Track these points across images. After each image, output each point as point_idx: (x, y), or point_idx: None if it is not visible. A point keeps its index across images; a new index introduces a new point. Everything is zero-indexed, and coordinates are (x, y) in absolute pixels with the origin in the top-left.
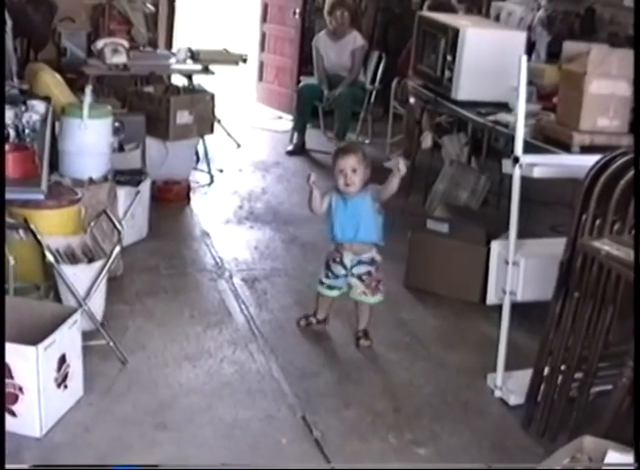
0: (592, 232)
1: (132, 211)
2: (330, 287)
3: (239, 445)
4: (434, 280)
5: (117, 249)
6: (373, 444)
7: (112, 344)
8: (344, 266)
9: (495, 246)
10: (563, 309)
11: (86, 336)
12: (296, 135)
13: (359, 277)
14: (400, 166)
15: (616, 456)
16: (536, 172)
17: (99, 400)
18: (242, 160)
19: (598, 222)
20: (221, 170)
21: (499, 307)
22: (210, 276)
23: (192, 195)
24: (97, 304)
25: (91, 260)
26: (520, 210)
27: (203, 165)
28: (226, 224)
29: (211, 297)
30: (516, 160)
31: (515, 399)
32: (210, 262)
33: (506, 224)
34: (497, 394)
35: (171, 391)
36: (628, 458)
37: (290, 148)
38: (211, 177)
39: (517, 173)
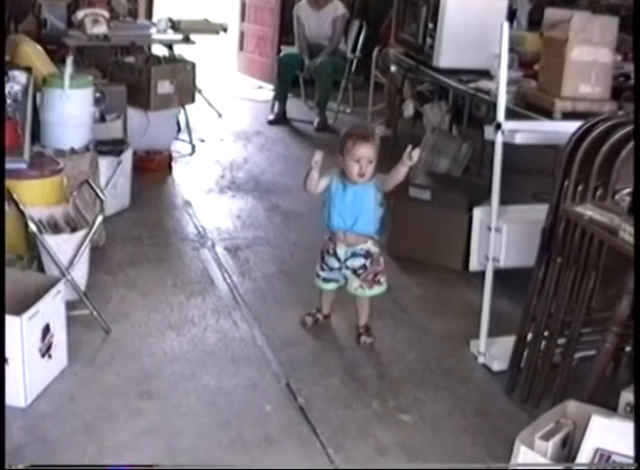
0: (574, 198)
1: (114, 181)
2: (326, 280)
3: (223, 412)
4: (417, 248)
5: (100, 218)
6: (357, 410)
7: (95, 313)
8: (338, 259)
9: (478, 213)
10: (545, 275)
11: (70, 306)
12: (277, 104)
13: (354, 271)
14: (413, 154)
15: (600, 420)
16: (518, 138)
17: (83, 370)
18: (223, 129)
19: (580, 188)
20: (202, 140)
21: (482, 274)
22: (193, 245)
23: (173, 165)
24: (80, 273)
25: (74, 230)
26: (501, 177)
27: (184, 135)
28: (208, 194)
29: (194, 266)
30: (498, 126)
31: (498, 365)
32: (193, 232)
33: (487, 192)
34: (480, 360)
35: (155, 359)
36: (612, 422)
37: (271, 117)
38: (193, 147)
39: (499, 139)
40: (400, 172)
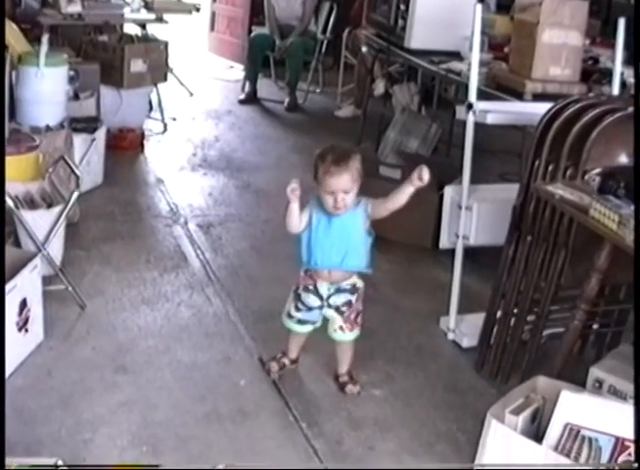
0: (545, 177)
1: (88, 158)
2: (301, 322)
3: (198, 386)
4: (387, 226)
5: (76, 194)
6: (329, 385)
7: (70, 288)
8: (320, 296)
9: (448, 191)
10: (515, 253)
11: (45, 281)
12: (247, 84)
13: (337, 309)
14: (424, 175)
15: (569, 396)
16: (490, 119)
17: (59, 345)
18: (194, 108)
19: (551, 168)
20: (174, 119)
21: (451, 252)
22: (166, 222)
23: (146, 143)
24: (56, 249)
25: (50, 206)
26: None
27: (156, 114)
28: (180, 171)
29: (167, 242)
30: (470, 106)
31: (468, 341)
32: (165, 209)
33: (457, 172)
34: (450, 336)
35: (130, 334)
36: (581, 397)
37: (242, 97)
38: (165, 125)
39: (470, 119)
40: (404, 194)
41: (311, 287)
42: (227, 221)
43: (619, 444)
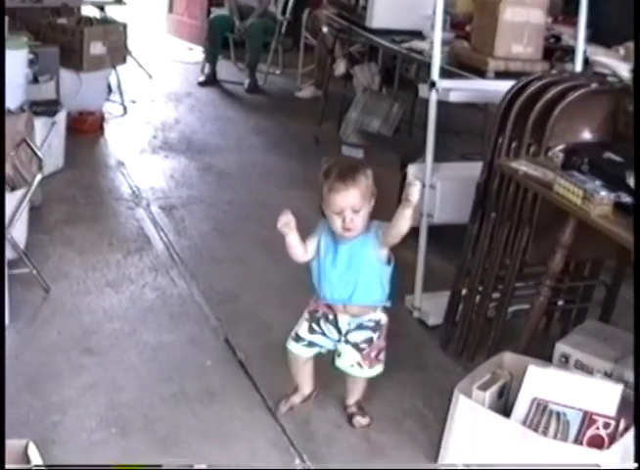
0: (508, 154)
1: (49, 141)
2: (311, 344)
3: (164, 367)
4: None
5: (39, 176)
6: None
7: (35, 272)
8: (339, 330)
9: (412, 169)
10: (480, 230)
11: (10, 265)
12: (207, 66)
13: (356, 345)
14: (412, 191)
15: (536, 370)
16: (452, 97)
17: (25, 328)
18: (154, 91)
19: (514, 145)
20: (134, 101)
21: (415, 231)
22: (128, 205)
23: (106, 126)
24: (19, 232)
25: (13, 189)
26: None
27: (115, 96)
28: (141, 154)
29: (130, 225)
30: (432, 84)
31: (433, 319)
32: (127, 191)
33: (419, 150)
34: (415, 315)
35: (95, 317)
36: (548, 372)
37: (201, 79)
38: (124, 108)
39: (433, 97)
40: (403, 218)
41: (331, 317)
42: (189, 203)
43: (587, 418)
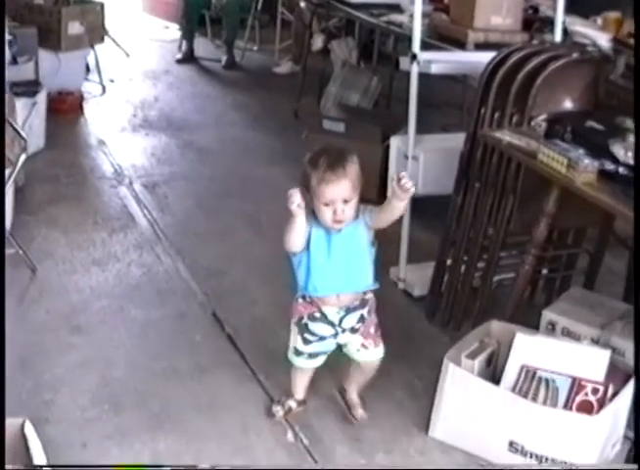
0: (492, 125)
1: (30, 122)
2: (312, 355)
3: (154, 343)
4: None
5: (23, 157)
6: (282, 336)
7: (21, 252)
8: (330, 323)
9: (394, 141)
10: (464, 201)
11: None
12: (184, 44)
13: (352, 329)
14: (404, 184)
15: (524, 338)
16: (434, 68)
17: (14, 308)
18: (132, 69)
19: (497, 115)
20: (112, 80)
21: None
22: (111, 183)
23: (85, 105)
24: (5, 213)
25: None
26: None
27: (94, 76)
28: (121, 132)
29: (113, 203)
30: (414, 56)
31: (418, 290)
32: (109, 170)
33: (399, 124)
34: (400, 286)
35: (82, 295)
36: (535, 339)
37: (179, 56)
38: (103, 87)
39: (414, 70)
40: (395, 209)
41: (318, 314)
42: (171, 180)
43: (576, 384)
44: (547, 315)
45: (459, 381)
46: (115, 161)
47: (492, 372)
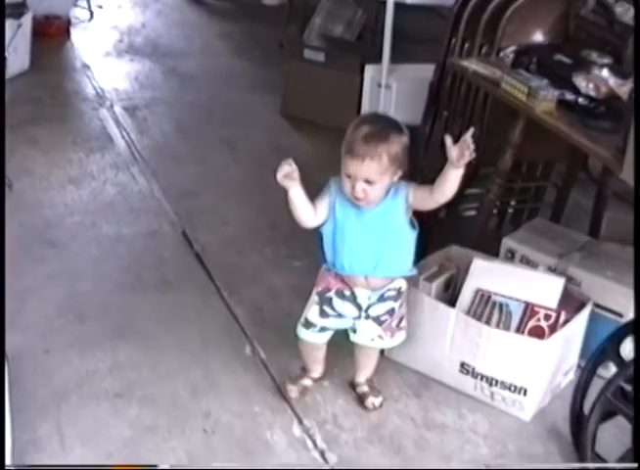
0: (461, 55)
1: (15, 43)
2: (323, 329)
3: (123, 259)
4: (310, 108)
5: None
6: (250, 257)
7: None
8: (358, 306)
9: (369, 70)
10: (432, 129)
11: None
12: None
13: (377, 319)
14: (464, 149)
15: (481, 263)
16: None
17: None
18: None
19: (467, 46)
20: (101, 6)
21: None
22: (92, 105)
23: (72, 30)
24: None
25: None
26: (392, 45)
27: (82, 2)
28: (106, 57)
29: (93, 124)
30: None
31: None
32: (92, 93)
33: (380, 55)
34: None
35: (57, 211)
36: (492, 265)
37: None
38: (91, 13)
39: None
40: (449, 181)
41: (348, 293)
42: (152, 104)
43: (529, 309)
44: (507, 243)
45: (414, 302)
46: (99, 84)
47: (451, 296)
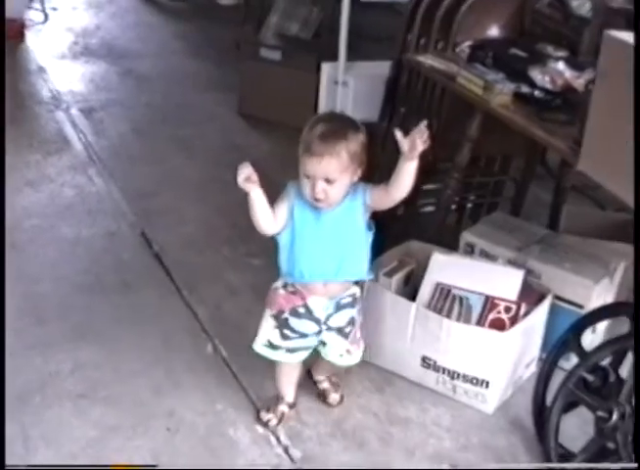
0: (417, 50)
1: None
2: (292, 350)
3: (82, 260)
4: (267, 107)
5: None
6: (208, 256)
7: None
8: (316, 320)
9: (325, 68)
10: (389, 126)
11: None
12: None
13: (340, 331)
14: (417, 140)
15: (440, 257)
16: None
17: None
18: None
19: (423, 41)
20: (55, 9)
21: None
22: (48, 108)
23: (26, 32)
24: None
25: None
26: (349, 43)
27: (36, 4)
28: (62, 59)
29: (50, 127)
30: None
31: None
32: (47, 95)
33: (336, 54)
34: None
35: (15, 214)
36: (452, 259)
37: None
38: (46, 15)
39: None
40: (404, 174)
41: (302, 310)
42: (108, 106)
43: (489, 302)
44: (466, 237)
45: (374, 297)
46: (54, 86)
47: (411, 291)
